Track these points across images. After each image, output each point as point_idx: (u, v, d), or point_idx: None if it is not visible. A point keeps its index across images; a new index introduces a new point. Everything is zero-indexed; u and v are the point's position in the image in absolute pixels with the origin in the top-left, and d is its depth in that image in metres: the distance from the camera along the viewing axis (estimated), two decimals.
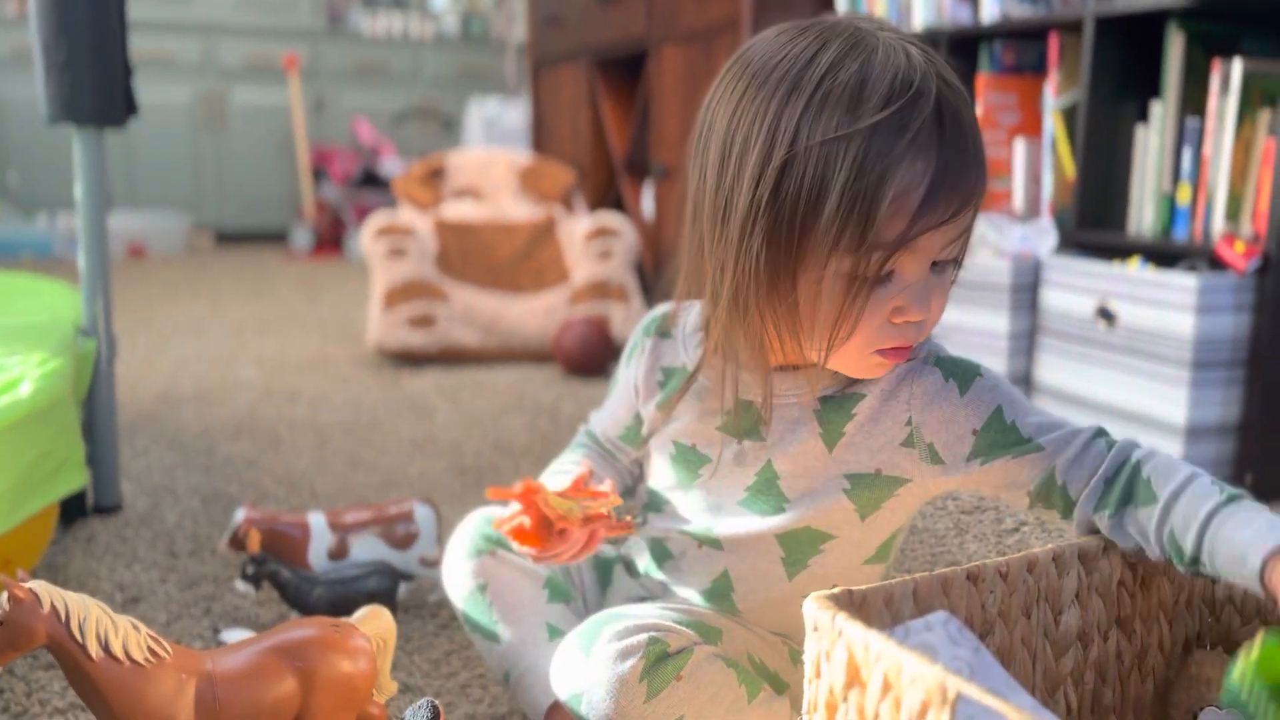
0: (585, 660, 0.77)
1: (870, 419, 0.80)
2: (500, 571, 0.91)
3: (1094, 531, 0.76)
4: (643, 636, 0.76)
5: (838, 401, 0.81)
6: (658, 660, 0.75)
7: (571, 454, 0.97)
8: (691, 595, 0.88)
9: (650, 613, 0.81)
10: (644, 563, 0.93)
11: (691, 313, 0.89)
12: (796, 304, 0.75)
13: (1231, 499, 0.69)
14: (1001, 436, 0.78)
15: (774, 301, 0.75)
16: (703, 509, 0.87)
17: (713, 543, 0.86)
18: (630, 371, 0.92)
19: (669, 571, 0.90)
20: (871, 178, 0.70)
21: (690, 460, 0.87)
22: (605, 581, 0.98)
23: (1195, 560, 0.70)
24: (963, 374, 0.80)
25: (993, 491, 0.79)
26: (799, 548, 0.84)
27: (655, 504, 0.92)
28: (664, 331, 0.90)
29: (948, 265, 0.76)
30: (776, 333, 0.77)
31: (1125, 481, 0.75)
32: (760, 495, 0.84)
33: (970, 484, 0.80)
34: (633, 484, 0.98)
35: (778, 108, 0.73)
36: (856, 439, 0.81)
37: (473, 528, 0.95)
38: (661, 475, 0.90)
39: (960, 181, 0.72)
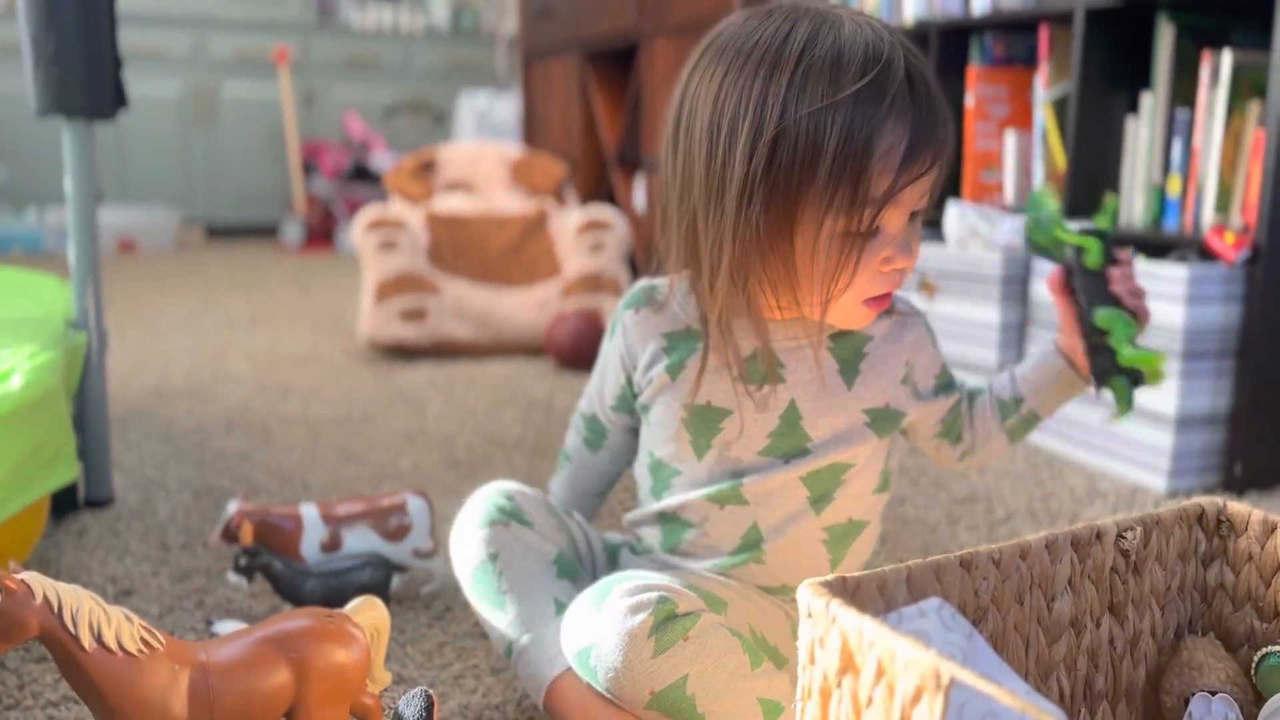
0: (597, 614, 0.79)
1: (880, 359, 0.91)
2: (512, 543, 0.92)
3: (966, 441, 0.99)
4: (653, 594, 0.78)
5: (846, 341, 0.90)
6: (666, 619, 0.77)
7: (559, 475, 1.09)
8: (719, 559, 0.91)
9: (661, 576, 0.83)
10: (654, 542, 0.95)
11: (681, 282, 0.93)
12: (795, 265, 0.82)
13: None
14: (945, 379, 0.96)
15: (774, 264, 0.82)
16: (722, 470, 0.90)
17: (737, 499, 0.90)
18: (616, 344, 0.96)
19: (690, 544, 0.92)
20: (859, 141, 0.78)
21: (708, 417, 0.90)
22: (613, 564, 1.00)
23: (1019, 400, 0.96)
24: (928, 327, 0.96)
25: (921, 421, 0.96)
26: (822, 484, 0.90)
27: (662, 478, 0.94)
28: (655, 302, 0.94)
29: (919, 214, 0.85)
30: (774, 294, 0.85)
31: (968, 393, 0.98)
32: (783, 438, 0.89)
33: (926, 415, 0.96)
34: (621, 470, 1.06)
35: (762, 85, 0.79)
36: (869, 377, 0.91)
37: (487, 498, 0.95)
38: (668, 444, 0.92)
39: (933, 137, 0.81)
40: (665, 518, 0.94)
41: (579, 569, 0.94)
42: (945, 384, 0.96)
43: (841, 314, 0.86)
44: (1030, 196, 0.96)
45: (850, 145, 0.77)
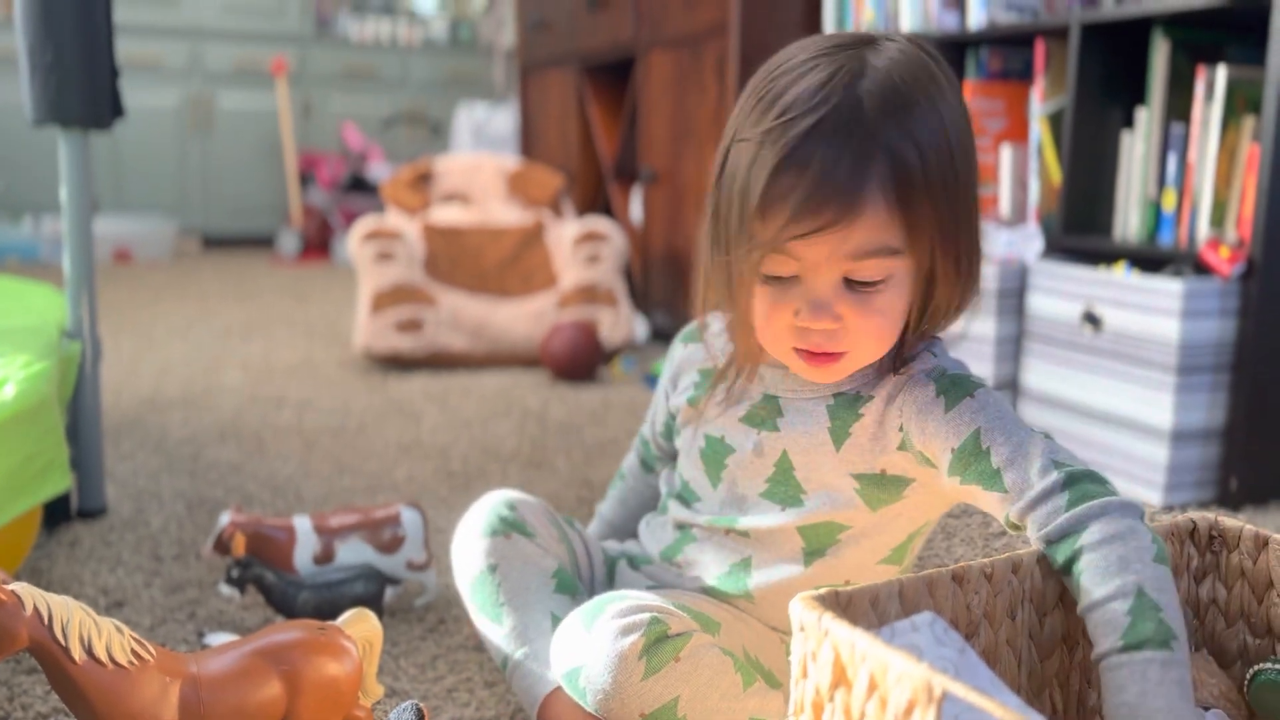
0: (586, 635, 0.78)
1: (875, 423, 0.84)
2: (512, 555, 0.92)
3: None
4: (645, 615, 0.77)
5: (849, 400, 0.85)
6: (658, 640, 0.77)
7: (610, 493, 1.11)
8: (707, 578, 0.91)
9: (653, 597, 0.83)
10: (659, 548, 0.95)
11: (717, 319, 0.94)
12: (730, 295, 0.82)
13: (1126, 648, 0.65)
14: (975, 461, 0.78)
15: (721, 292, 0.83)
16: (730, 502, 0.90)
17: (740, 534, 0.89)
18: (665, 375, 1.00)
19: (690, 554, 0.92)
20: (752, 180, 0.76)
21: (719, 451, 0.91)
22: (611, 576, 1.00)
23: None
24: (955, 393, 0.81)
25: (985, 510, 0.80)
26: (818, 538, 0.87)
27: (686, 497, 0.95)
28: (696, 338, 0.97)
29: (871, 287, 0.78)
30: (741, 330, 0.84)
31: (1064, 561, 0.72)
32: (780, 485, 0.88)
33: (963, 497, 0.81)
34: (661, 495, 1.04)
35: (739, 106, 0.80)
36: (861, 441, 0.84)
37: (489, 508, 0.95)
38: (691, 469, 0.94)
39: (830, 200, 0.74)
40: (680, 526, 0.95)
41: (577, 584, 0.94)
42: (982, 471, 0.77)
43: (780, 357, 0.84)
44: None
45: (746, 181, 0.76)
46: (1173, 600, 0.67)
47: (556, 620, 0.88)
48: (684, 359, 0.98)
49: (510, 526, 0.93)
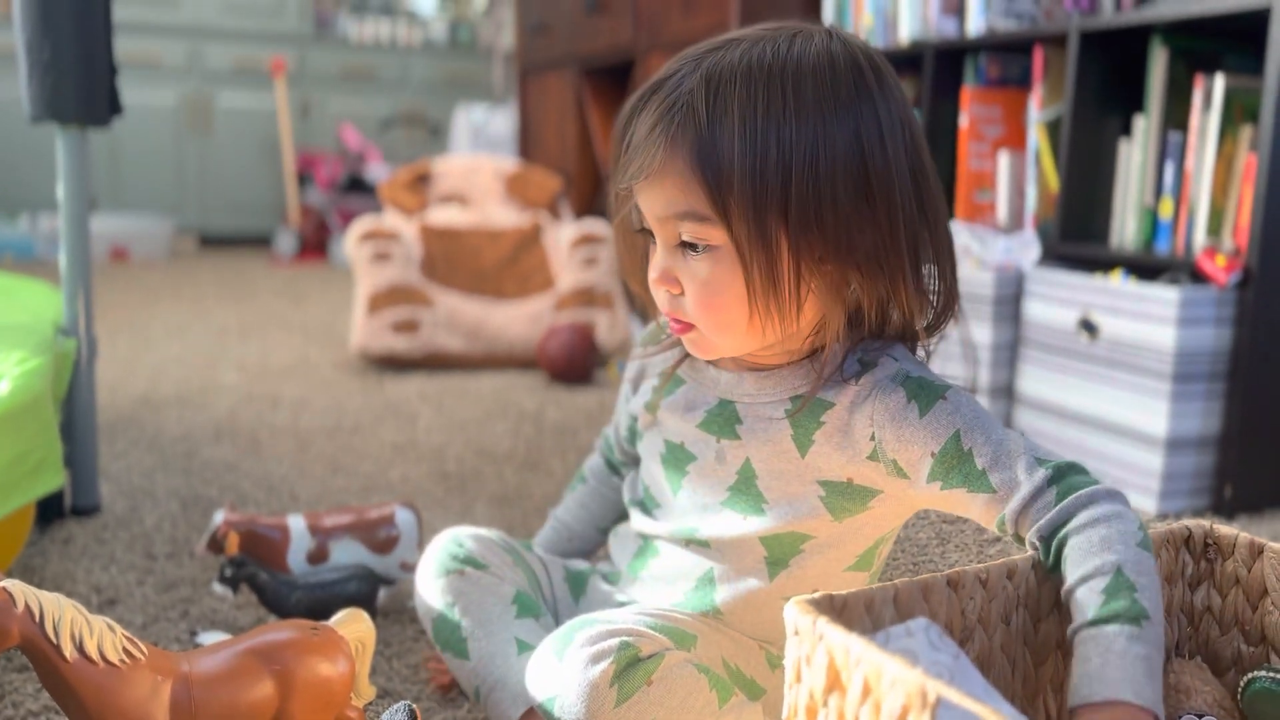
0: (558, 665, 0.77)
1: (839, 430, 0.81)
2: (468, 589, 0.92)
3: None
4: (614, 641, 0.76)
5: (810, 407, 0.82)
6: (629, 665, 0.76)
7: (568, 497, 1.08)
8: (674, 595, 0.89)
9: (624, 618, 0.81)
10: (625, 562, 0.94)
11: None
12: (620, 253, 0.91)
13: (1096, 621, 0.65)
14: (959, 463, 0.77)
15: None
16: (691, 509, 0.88)
17: (700, 544, 0.87)
18: (626, 377, 0.99)
19: (653, 570, 0.91)
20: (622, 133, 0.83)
21: (679, 458, 0.89)
22: (579, 592, 0.99)
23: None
24: (926, 396, 0.79)
25: (965, 515, 0.79)
26: (781, 548, 0.85)
27: (648, 504, 0.94)
28: (656, 340, 0.96)
29: (695, 252, 0.79)
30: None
31: (1054, 553, 0.72)
32: (741, 494, 0.85)
33: (940, 504, 0.79)
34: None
35: None
36: (826, 448, 0.82)
37: (440, 548, 0.96)
38: (653, 475, 0.93)
39: (635, 157, 0.80)
40: (643, 540, 0.94)
41: (539, 605, 0.94)
42: (966, 474, 0.76)
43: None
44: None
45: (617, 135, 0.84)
46: (1152, 583, 0.67)
47: (522, 645, 0.88)
48: (644, 362, 0.97)
49: (463, 563, 0.93)
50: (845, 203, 0.76)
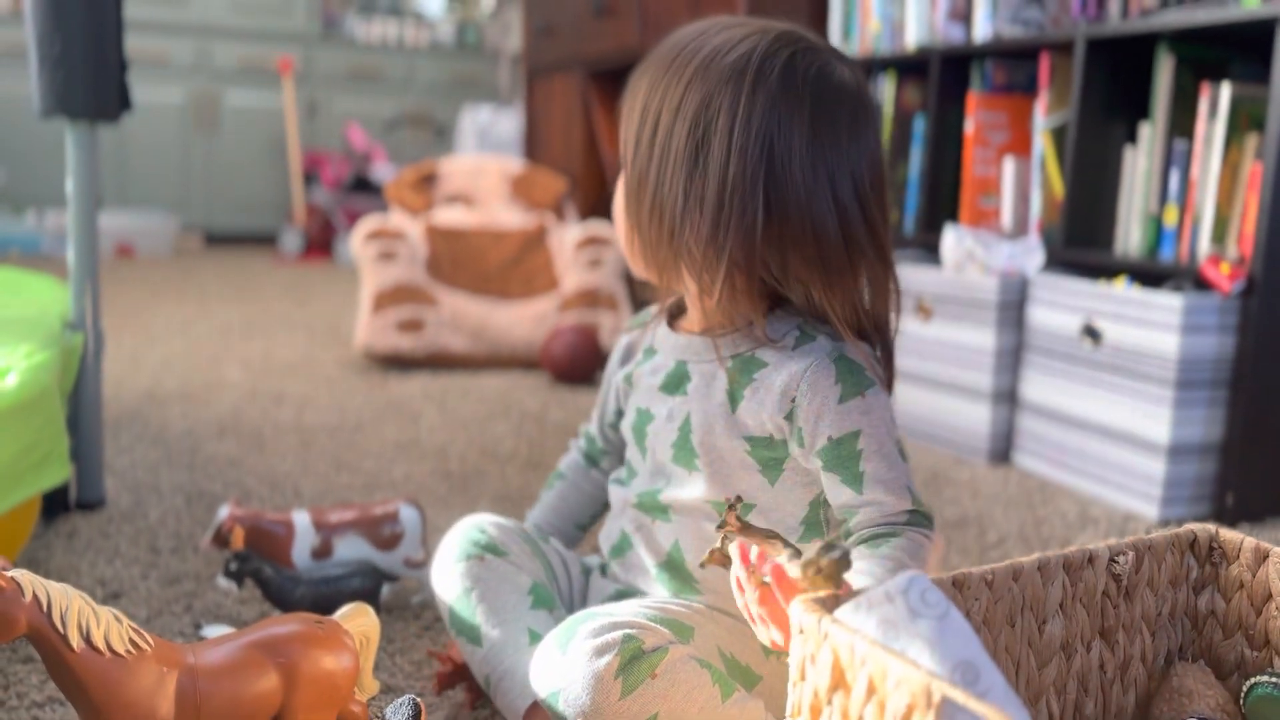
0: (562, 658, 0.78)
1: (766, 388, 0.86)
2: (487, 576, 0.93)
3: None
4: (618, 634, 0.78)
5: (744, 362, 0.88)
6: (633, 657, 0.77)
7: (545, 496, 1.09)
8: (650, 570, 0.92)
9: (627, 610, 0.83)
10: (609, 546, 0.97)
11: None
12: None
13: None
14: (846, 459, 0.84)
15: None
16: (654, 472, 0.93)
17: (660, 511, 0.91)
18: (613, 360, 1.02)
19: (629, 559, 0.94)
20: None
21: (643, 420, 0.94)
22: (587, 585, 1.00)
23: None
24: (851, 384, 0.84)
25: (823, 489, 0.87)
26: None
27: (625, 477, 0.97)
28: (643, 323, 1.00)
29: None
30: None
31: (856, 541, 0.83)
32: (681, 450, 0.90)
33: (816, 475, 0.87)
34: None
35: None
36: (752, 404, 0.86)
37: (462, 533, 0.96)
38: (630, 446, 0.97)
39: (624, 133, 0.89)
40: (620, 531, 0.96)
41: (554, 598, 0.95)
42: (847, 472, 0.83)
43: None
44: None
45: None
46: (886, 570, 0.78)
47: (534, 636, 0.89)
48: (631, 340, 1.01)
49: (483, 549, 0.94)
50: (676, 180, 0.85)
